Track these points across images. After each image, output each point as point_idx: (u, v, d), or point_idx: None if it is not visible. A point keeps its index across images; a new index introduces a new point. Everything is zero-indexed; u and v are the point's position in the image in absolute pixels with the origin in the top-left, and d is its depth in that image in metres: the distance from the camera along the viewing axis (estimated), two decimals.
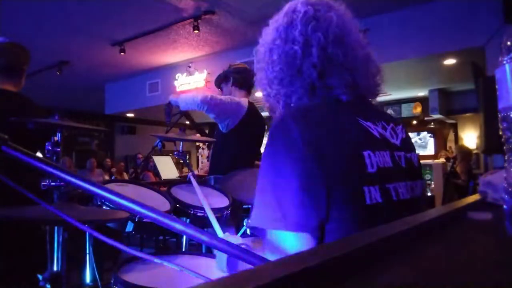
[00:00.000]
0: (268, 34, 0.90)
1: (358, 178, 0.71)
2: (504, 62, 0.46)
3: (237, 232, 1.90)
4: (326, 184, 0.68)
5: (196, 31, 5.33)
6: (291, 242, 0.69)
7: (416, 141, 9.18)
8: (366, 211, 0.70)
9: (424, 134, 9.03)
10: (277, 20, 0.90)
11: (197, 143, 11.44)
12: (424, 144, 9.00)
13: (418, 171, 0.86)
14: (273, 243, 0.71)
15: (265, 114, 2.66)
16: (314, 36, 0.82)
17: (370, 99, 0.93)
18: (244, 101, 2.52)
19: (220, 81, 2.70)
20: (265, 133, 2.83)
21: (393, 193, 0.75)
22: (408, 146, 0.87)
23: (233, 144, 2.52)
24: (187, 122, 3.05)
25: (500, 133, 0.48)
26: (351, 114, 0.80)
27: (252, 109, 2.59)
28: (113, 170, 8.60)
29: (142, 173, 6.93)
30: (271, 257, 0.70)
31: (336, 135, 0.74)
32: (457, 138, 8.58)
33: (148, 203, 0.58)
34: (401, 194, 0.76)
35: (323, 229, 0.70)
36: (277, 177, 0.71)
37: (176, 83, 7.33)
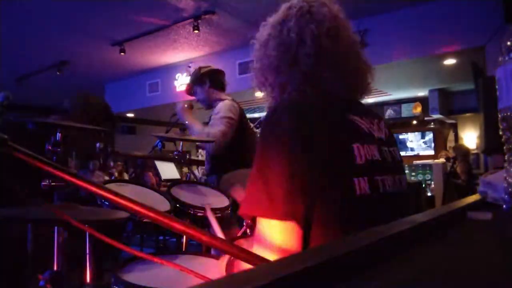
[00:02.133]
0: (264, 30, 0.95)
1: (347, 170, 0.74)
2: (504, 62, 0.46)
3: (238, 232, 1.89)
4: (313, 175, 0.71)
5: (196, 31, 5.33)
6: (278, 230, 0.72)
7: (420, 145, 9.12)
8: (355, 201, 0.73)
9: (430, 136, 8.98)
10: (274, 18, 0.94)
11: (197, 143, 11.41)
12: (430, 148, 8.96)
13: (401, 166, 0.90)
14: (261, 232, 0.74)
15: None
16: (308, 27, 0.87)
17: (360, 96, 0.97)
18: (233, 104, 2.51)
19: (193, 85, 2.67)
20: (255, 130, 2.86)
21: (381, 185, 0.77)
22: (391, 141, 0.90)
23: (231, 143, 2.52)
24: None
25: (500, 133, 0.48)
26: (341, 109, 0.84)
27: (240, 107, 2.62)
28: (113, 170, 8.51)
29: (142, 173, 6.91)
30: (259, 245, 0.73)
31: (326, 129, 0.77)
32: (457, 138, 8.57)
33: (148, 203, 0.58)
34: (387, 186, 0.79)
35: (309, 219, 0.72)
36: (266, 167, 0.74)
37: (176, 83, 7.33)
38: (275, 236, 0.72)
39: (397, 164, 0.87)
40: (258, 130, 2.88)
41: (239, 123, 2.49)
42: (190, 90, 2.74)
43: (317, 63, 0.85)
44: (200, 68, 2.72)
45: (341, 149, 0.76)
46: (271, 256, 0.70)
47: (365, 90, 0.96)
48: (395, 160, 0.87)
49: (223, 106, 2.47)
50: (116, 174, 8.05)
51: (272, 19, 0.94)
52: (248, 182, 0.77)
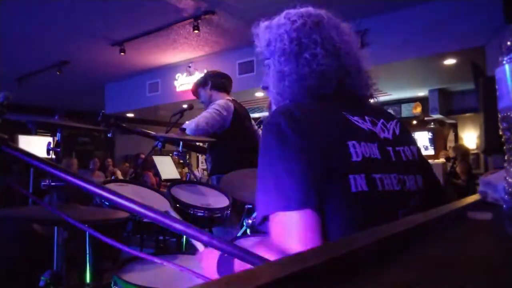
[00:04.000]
0: (273, 35, 0.95)
1: (343, 166, 0.75)
2: (504, 62, 0.46)
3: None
4: (316, 166, 0.72)
5: (196, 31, 5.33)
6: (296, 221, 0.70)
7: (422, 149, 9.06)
8: (351, 198, 0.73)
9: (430, 136, 8.94)
10: (282, 24, 0.94)
11: (197, 143, 11.39)
12: (429, 147, 8.93)
13: (412, 165, 0.87)
14: (277, 227, 0.72)
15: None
16: (311, 39, 0.90)
17: (363, 97, 0.98)
18: (227, 102, 2.56)
19: (198, 87, 2.79)
20: (256, 128, 2.92)
21: (379, 183, 0.77)
22: (402, 140, 0.89)
23: (231, 142, 2.53)
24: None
25: (500, 133, 0.48)
26: (337, 109, 0.85)
27: (239, 106, 2.66)
28: (118, 173, 8.33)
29: (142, 173, 6.89)
30: (281, 244, 0.71)
31: (321, 127, 0.79)
32: (457, 138, 8.57)
33: (148, 203, 0.58)
34: (386, 185, 0.78)
35: (322, 211, 0.72)
36: (274, 166, 0.75)
37: (176, 83, 7.33)
38: (295, 227, 0.70)
39: (405, 163, 0.86)
40: (259, 130, 2.92)
41: (233, 122, 2.51)
42: (195, 92, 2.82)
43: (315, 71, 0.88)
44: (207, 71, 2.92)
45: (337, 147, 0.77)
46: (294, 251, 0.69)
47: (371, 90, 0.97)
48: (401, 159, 0.85)
49: (217, 102, 2.56)
50: (119, 175, 7.98)
51: (281, 26, 0.95)
52: (258, 187, 0.77)
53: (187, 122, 2.55)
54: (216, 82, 2.69)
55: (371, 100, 1.01)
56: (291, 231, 0.70)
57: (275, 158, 0.75)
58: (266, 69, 1.00)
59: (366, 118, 0.86)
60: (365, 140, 0.80)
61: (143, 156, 8.48)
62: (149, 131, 2.70)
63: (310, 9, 0.96)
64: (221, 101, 2.57)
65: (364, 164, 0.77)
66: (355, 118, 0.84)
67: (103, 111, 2.26)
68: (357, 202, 0.73)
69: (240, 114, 2.59)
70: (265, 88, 1.01)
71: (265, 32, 0.97)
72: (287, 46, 0.91)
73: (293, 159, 0.73)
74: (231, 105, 2.56)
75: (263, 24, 0.99)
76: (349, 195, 0.73)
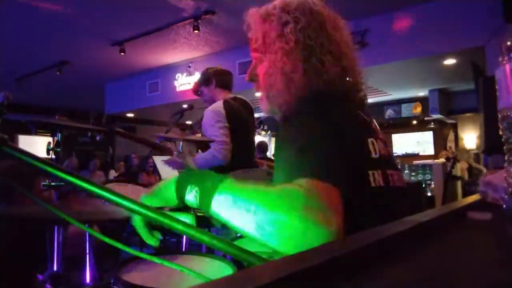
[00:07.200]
0: (274, 31, 0.92)
1: (363, 162, 0.76)
2: (504, 62, 0.46)
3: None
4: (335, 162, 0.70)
5: (196, 31, 5.33)
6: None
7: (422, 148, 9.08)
8: (370, 193, 0.74)
9: (430, 136, 8.94)
10: (285, 21, 0.90)
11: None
12: (428, 148, 8.95)
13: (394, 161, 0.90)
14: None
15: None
16: (318, 42, 0.86)
17: (361, 97, 0.96)
18: (216, 110, 2.42)
19: (200, 85, 2.68)
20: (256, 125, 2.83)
21: (390, 178, 0.79)
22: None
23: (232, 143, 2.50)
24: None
25: (500, 133, 0.48)
26: (351, 105, 0.86)
27: (236, 104, 2.55)
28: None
29: (138, 173, 6.83)
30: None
31: (346, 120, 0.79)
32: (457, 138, 8.57)
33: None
34: (395, 181, 0.81)
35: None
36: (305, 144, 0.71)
37: (176, 83, 7.34)
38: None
39: (394, 159, 0.89)
40: (260, 130, 2.88)
41: (230, 124, 2.43)
42: (196, 90, 2.73)
43: (324, 79, 0.84)
44: (207, 69, 2.74)
45: (358, 142, 0.78)
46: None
47: (364, 90, 0.96)
48: (391, 155, 0.88)
49: (206, 115, 2.43)
50: (117, 174, 7.99)
51: (277, 21, 0.92)
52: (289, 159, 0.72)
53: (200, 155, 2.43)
54: (220, 80, 2.61)
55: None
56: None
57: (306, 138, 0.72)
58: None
59: (369, 116, 0.88)
60: (376, 137, 0.82)
61: (134, 156, 8.47)
62: (144, 138, 2.62)
63: (309, 2, 0.90)
64: (212, 107, 2.45)
65: (381, 161, 0.78)
66: (364, 116, 0.85)
67: (94, 115, 2.19)
68: (375, 197, 0.74)
69: (235, 114, 2.50)
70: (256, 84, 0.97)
71: (261, 22, 0.93)
72: (291, 47, 0.86)
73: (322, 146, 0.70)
74: (222, 109, 2.42)
75: (259, 12, 0.94)
76: (368, 189, 0.74)
